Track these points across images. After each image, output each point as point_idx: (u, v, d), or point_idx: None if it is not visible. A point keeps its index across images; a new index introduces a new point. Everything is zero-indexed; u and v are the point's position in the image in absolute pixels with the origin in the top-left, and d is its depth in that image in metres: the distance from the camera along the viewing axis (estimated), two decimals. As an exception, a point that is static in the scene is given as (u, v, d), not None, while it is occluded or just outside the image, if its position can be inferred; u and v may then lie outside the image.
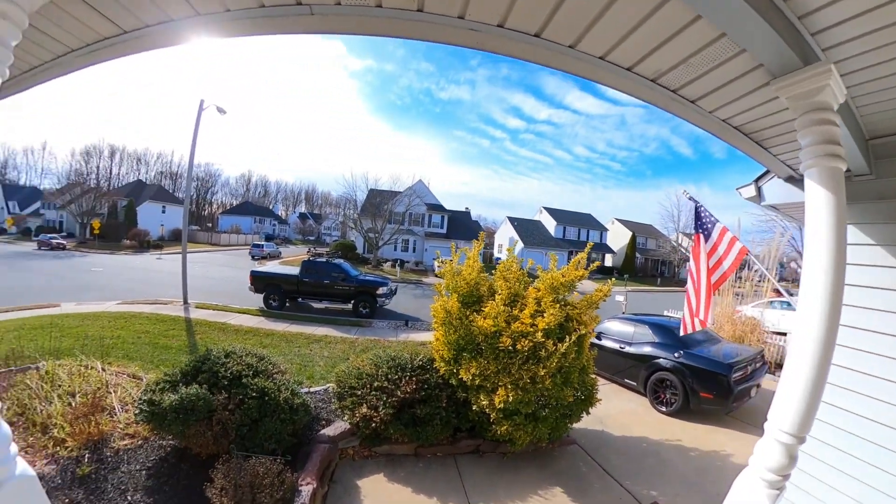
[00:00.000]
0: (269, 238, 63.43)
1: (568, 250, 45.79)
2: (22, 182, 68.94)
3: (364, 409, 4.64)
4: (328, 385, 6.16)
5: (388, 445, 4.89)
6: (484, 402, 4.69)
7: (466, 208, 57.88)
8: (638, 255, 56.22)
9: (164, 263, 28.30)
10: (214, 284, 19.30)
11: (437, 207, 48.41)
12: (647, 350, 7.97)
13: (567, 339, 4.51)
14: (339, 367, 5.77)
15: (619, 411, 7.17)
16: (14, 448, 1.54)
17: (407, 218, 43.27)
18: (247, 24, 2.05)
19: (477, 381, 4.68)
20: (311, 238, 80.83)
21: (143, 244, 41.98)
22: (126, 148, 74.58)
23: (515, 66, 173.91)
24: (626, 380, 8.30)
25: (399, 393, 4.76)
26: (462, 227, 48.38)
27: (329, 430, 4.82)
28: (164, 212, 56.29)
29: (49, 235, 40.33)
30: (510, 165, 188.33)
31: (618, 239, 56.89)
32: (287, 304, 15.11)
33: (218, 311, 13.23)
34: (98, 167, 61.38)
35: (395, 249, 43.50)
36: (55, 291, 15.95)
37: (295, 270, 15.78)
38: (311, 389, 6.06)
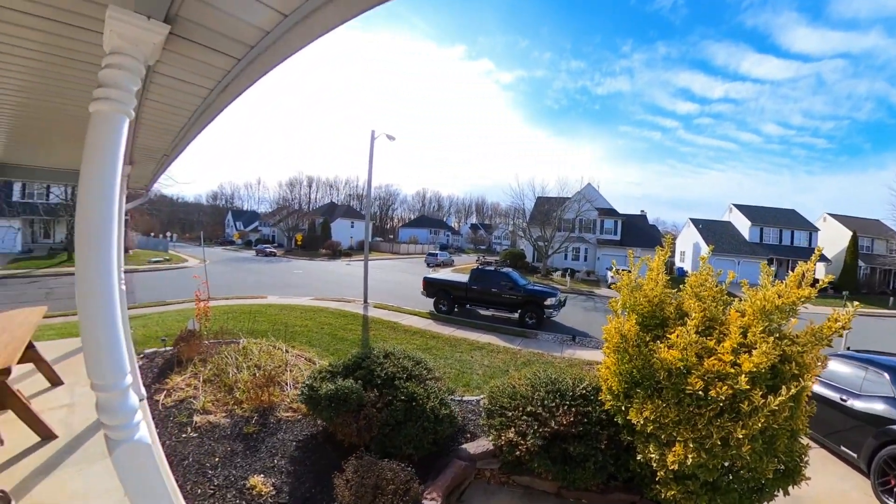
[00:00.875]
0: (443, 248, 67.96)
1: (766, 258, 34.31)
2: (245, 208, 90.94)
3: (511, 434, 4.16)
4: (482, 396, 5.88)
5: (528, 477, 4.37)
6: (653, 455, 3.72)
7: (642, 211, 51.46)
8: (861, 262, 41.94)
9: (351, 268, 32.19)
10: (392, 288, 21.14)
11: (610, 212, 44.65)
12: (881, 409, 5.39)
13: (783, 391, 3.26)
14: (495, 380, 5.55)
15: (825, 493, 4.88)
16: (139, 416, 1.67)
17: (577, 225, 41.11)
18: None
19: (649, 428, 3.70)
20: (482, 247, 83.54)
21: (336, 253, 49.26)
22: (319, 177, 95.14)
23: (673, 40, 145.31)
24: (840, 446, 5.74)
25: (553, 424, 4.17)
26: (638, 232, 43.75)
27: (470, 447, 4.50)
28: (352, 226, 66.10)
29: (264, 245, 52.92)
30: (688, 158, 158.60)
31: (832, 241, 42.23)
32: (455, 310, 15.43)
33: (392, 312, 14.35)
34: (299, 194, 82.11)
35: (566, 258, 41.33)
36: (265, 287, 19.87)
37: (464, 278, 16.25)
38: (464, 398, 5.93)
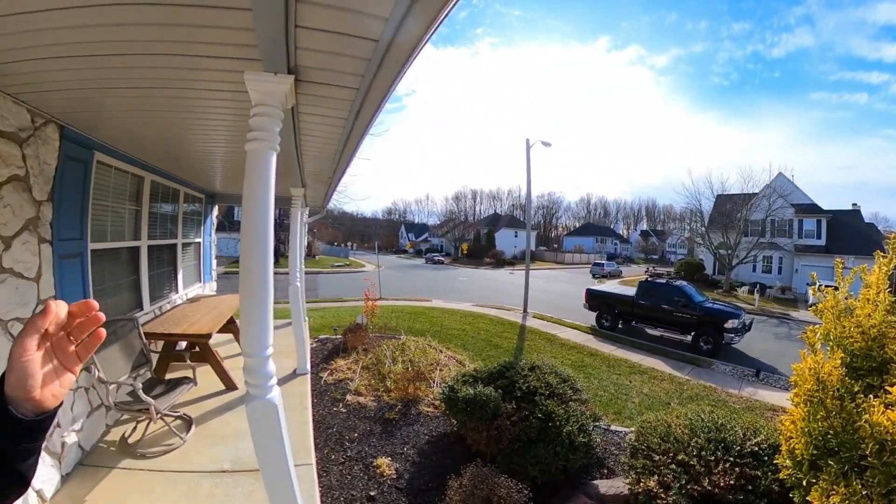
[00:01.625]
0: (610, 257, 64.62)
1: None
2: (416, 221, 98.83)
3: (651, 483, 3.41)
4: (631, 430, 5.23)
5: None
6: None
7: (854, 205, 37.23)
8: None
9: (513, 277, 32.25)
10: (553, 298, 20.77)
11: (810, 208, 34.43)
12: None
13: None
14: (650, 413, 4.86)
15: None
16: (274, 380, 2.05)
17: (768, 227, 32.80)
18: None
19: (839, 520, 2.45)
20: (654, 257, 76.06)
21: (499, 262, 50.48)
22: (483, 189, 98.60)
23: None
24: None
25: (706, 482, 3.35)
26: (849, 233, 32.53)
27: (603, 485, 3.97)
28: (515, 236, 66.85)
29: (432, 254, 58.19)
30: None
31: None
32: (619, 326, 14.23)
33: (550, 323, 14.04)
34: (465, 206, 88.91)
35: (754, 270, 33.73)
36: (430, 291, 21.59)
37: (631, 291, 14.79)
38: (611, 428, 5.36)
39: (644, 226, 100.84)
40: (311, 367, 6.04)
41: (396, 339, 8.13)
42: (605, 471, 4.32)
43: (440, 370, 6.42)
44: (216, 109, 3.00)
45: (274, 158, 2.00)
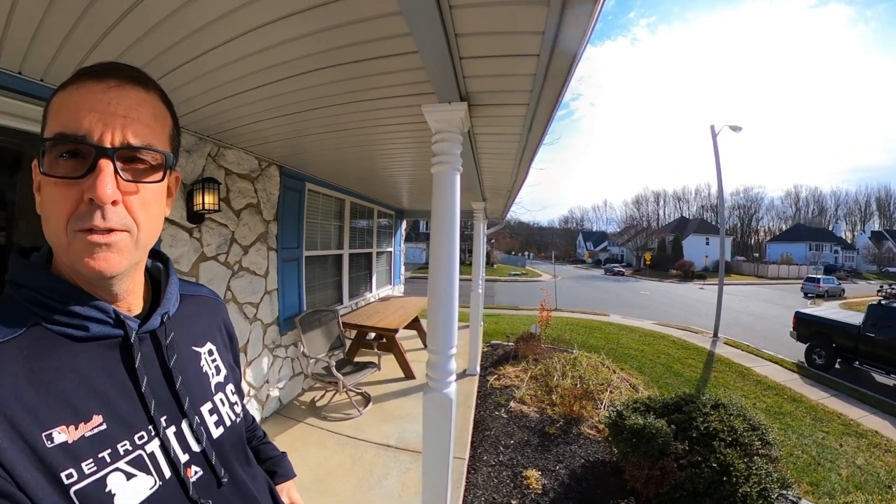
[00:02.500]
0: (828, 270, 48.78)
1: None
2: (594, 229, 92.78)
3: None
4: None
5: None
6: None
7: None
8: None
9: (704, 293, 28.21)
10: (751, 322, 17.28)
11: None
12: None
13: None
14: (858, 495, 3.73)
15: None
16: (453, 377, 2.21)
17: None
18: None
19: None
20: (893, 269, 52.65)
21: (687, 274, 44.45)
22: (666, 191, 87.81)
23: None
24: None
25: None
26: None
27: None
28: (706, 243, 57.80)
29: (612, 265, 53.71)
30: None
31: None
32: (837, 366, 10.47)
33: (745, 353, 11.51)
34: (647, 211, 79.86)
35: None
36: (608, 304, 20.22)
37: (857, 318, 10.41)
38: (801, 501, 4.05)
39: (875, 225, 72.90)
40: (480, 369, 6.27)
41: (568, 352, 7.86)
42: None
43: (610, 392, 6.01)
44: (398, 139, 3.42)
45: (458, 178, 2.15)
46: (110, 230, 0.62)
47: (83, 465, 0.60)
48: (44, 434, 0.58)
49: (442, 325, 2.13)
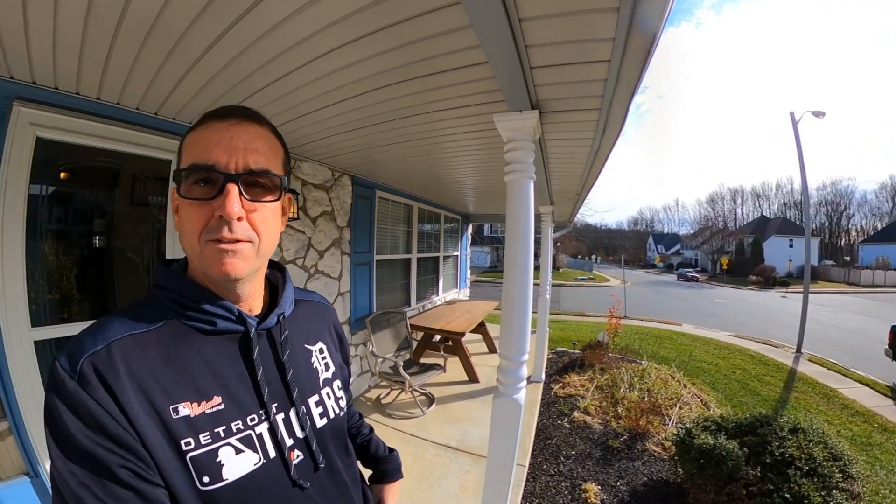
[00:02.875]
0: None
1: None
2: (665, 231, 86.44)
3: None
4: None
5: None
6: None
7: None
8: None
9: (787, 303, 25.06)
10: (840, 336, 15.02)
11: None
12: None
13: None
14: None
15: None
16: (523, 384, 2.17)
17: None
18: None
19: None
20: None
21: (768, 280, 40.07)
22: (744, 187, 77.70)
23: None
24: None
25: None
26: None
27: None
28: (791, 246, 51.00)
29: (685, 270, 49.58)
30: None
31: None
32: None
33: (832, 373, 9.89)
34: (722, 210, 71.12)
35: None
36: (680, 313, 18.98)
37: None
38: None
39: None
40: (545, 376, 6.14)
41: (637, 363, 7.43)
42: None
43: (679, 408, 5.61)
44: (465, 147, 3.45)
45: (532, 186, 2.14)
46: (236, 240, 0.74)
47: (200, 436, 0.71)
48: (171, 407, 0.70)
49: (515, 330, 2.12)
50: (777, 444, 3.35)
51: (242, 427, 0.76)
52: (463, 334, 5.40)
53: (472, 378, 5.57)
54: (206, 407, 0.73)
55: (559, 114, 2.26)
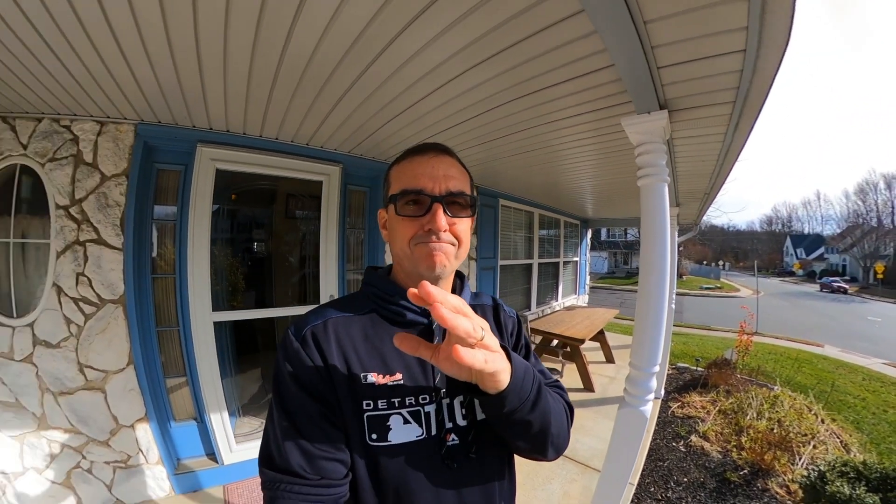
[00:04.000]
0: None
1: None
2: (805, 231, 71.07)
3: None
4: None
5: None
6: None
7: None
8: None
9: None
10: None
11: None
12: None
13: None
14: None
15: None
16: (650, 396, 2.00)
17: None
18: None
19: None
20: None
21: None
22: None
23: None
24: None
25: None
26: None
27: None
28: None
29: (831, 279, 39.77)
30: None
31: None
32: None
33: None
34: (876, 203, 53.32)
35: None
36: (823, 332, 15.64)
37: None
38: None
39: None
40: (664, 393, 5.61)
41: (768, 388, 6.30)
42: None
43: (813, 446, 4.63)
44: (583, 153, 3.31)
45: (666, 189, 2.00)
46: (442, 241, 0.85)
47: (379, 401, 0.83)
48: (363, 374, 0.84)
49: (649, 340, 1.98)
50: None
51: (414, 403, 0.86)
52: (582, 341, 5.14)
53: (588, 387, 5.27)
54: (389, 379, 0.86)
55: (688, 111, 2.09)
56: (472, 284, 4.71)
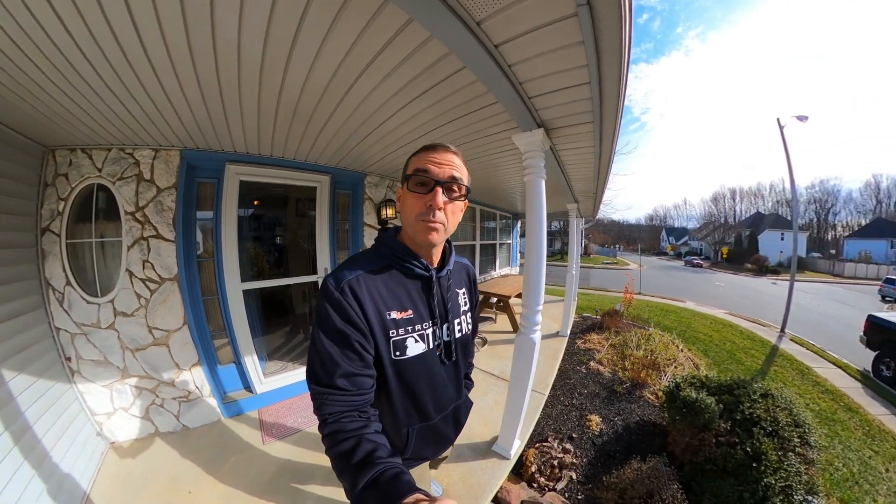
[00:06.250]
0: None
1: None
2: (675, 225, 74.81)
3: None
4: None
5: None
6: None
7: None
8: None
9: (776, 289, 19.84)
10: (821, 322, 11.78)
11: None
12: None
13: None
14: None
15: None
16: (538, 327, 2.07)
17: None
18: None
19: None
20: None
21: (761, 268, 32.84)
22: (742, 187, 64.00)
23: None
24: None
25: None
26: None
27: None
28: (782, 239, 41.06)
29: (692, 257, 42.80)
30: None
31: None
32: None
33: (809, 353, 7.69)
34: (724, 208, 60.03)
35: None
36: (685, 292, 16.46)
37: None
38: None
39: None
40: (570, 334, 5.76)
41: (645, 329, 6.61)
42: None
43: (674, 367, 4.95)
44: (503, 161, 3.29)
45: (543, 184, 2.04)
46: (437, 221, 0.86)
47: (399, 329, 0.89)
48: (387, 312, 0.87)
49: (533, 289, 2.06)
50: (748, 404, 2.80)
51: (420, 329, 0.93)
52: (510, 297, 5.25)
53: (515, 328, 5.35)
54: (404, 315, 0.90)
55: (562, 129, 2.12)
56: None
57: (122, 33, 1.20)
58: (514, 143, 2.04)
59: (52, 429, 1.98)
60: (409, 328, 0.91)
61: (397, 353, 0.89)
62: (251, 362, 2.93)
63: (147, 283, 2.43)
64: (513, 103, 1.67)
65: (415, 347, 0.92)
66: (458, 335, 1.03)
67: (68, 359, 2.31)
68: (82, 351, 2.33)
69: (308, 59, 1.39)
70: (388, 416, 0.95)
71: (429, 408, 0.99)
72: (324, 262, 3.44)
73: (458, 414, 1.12)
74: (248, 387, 2.97)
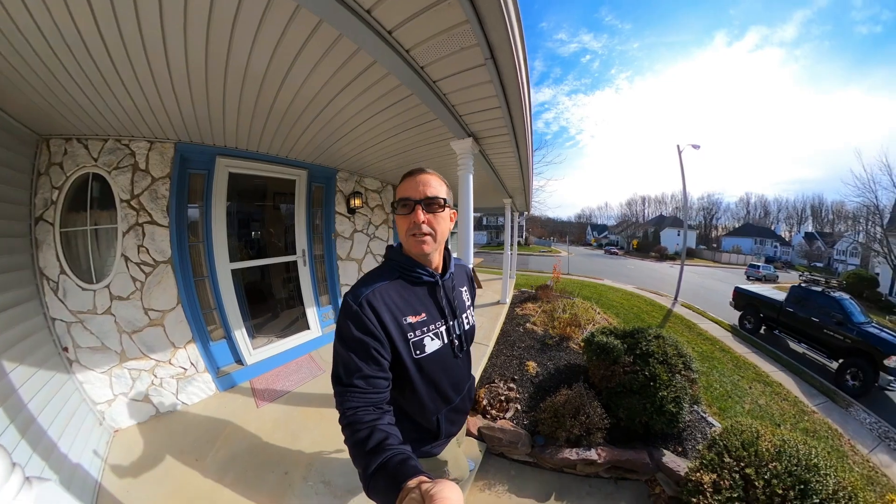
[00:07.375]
0: (768, 260, 39.19)
1: None
2: (598, 222, 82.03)
3: (706, 478, 1.96)
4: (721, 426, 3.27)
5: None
6: None
7: None
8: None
9: (673, 270, 23.32)
10: (703, 293, 14.57)
11: None
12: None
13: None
14: (744, 422, 2.29)
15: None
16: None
17: None
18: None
19: None
20: (819, 264, 38.60)
21: (663, 256, 38.80)
22: (650, 195, 75.44)
23: None
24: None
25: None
26: None
27: (668, 457, 2.53)
28: (678, 235, 47.14)
29: (610, 247, 47.75)
30: None
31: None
32: (762, 331, 8.25)
33: (694, 314, 9.58)
34: (636, 210, 69.04)
35: None
36: (603, 273, 18.44)
37: (780, 296, 8.21)
38: (707, 418, 3.35)
39: (809, 227, 55.16)
40: (510, 304, 6.21)
41: (570, 299, 7.19)
42: (681, 449, 2.76)
43: (593, 325, 5.55)
44: (450, 160, 3.31)
45: (471, 178, 2.22)
46: (423, 234, 0.86)
47: (416, 331, 0.88)
48: (403, 318, 0.86)
49: (463, 255, 2.27)
50: (645, 343, 3.23)
51: (434, 328, 0.92)
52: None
53: (478, 286, 5.58)
54: (418, 318, 0.89)
55: (487, 138, 2.31)
56: (392, 241, 4.63)
57: (126, 30, 1.19)
58: (452, 146, 2.29)
59: (55, 421, 1.80)
60: (425, 328, 0.89)
61: (417, 352, 0.88)
62: (241, 336, 2.88)
63: (142, 266, 2.33)
64: (449, 119, 1.89)
65: (432, 345, 0.90)
66: (466, 328, 1.02)
67: (65, 349, 2.12)
68: (79, 339, 2.14)
69: (297, 77, 1.52)
70: (418, 409, 0.94)
71: (450, 393, 1.00)
72: (301, 245, 3.44)
73: (471, 390, 1.14)
74: (238, 360, 2.90)
